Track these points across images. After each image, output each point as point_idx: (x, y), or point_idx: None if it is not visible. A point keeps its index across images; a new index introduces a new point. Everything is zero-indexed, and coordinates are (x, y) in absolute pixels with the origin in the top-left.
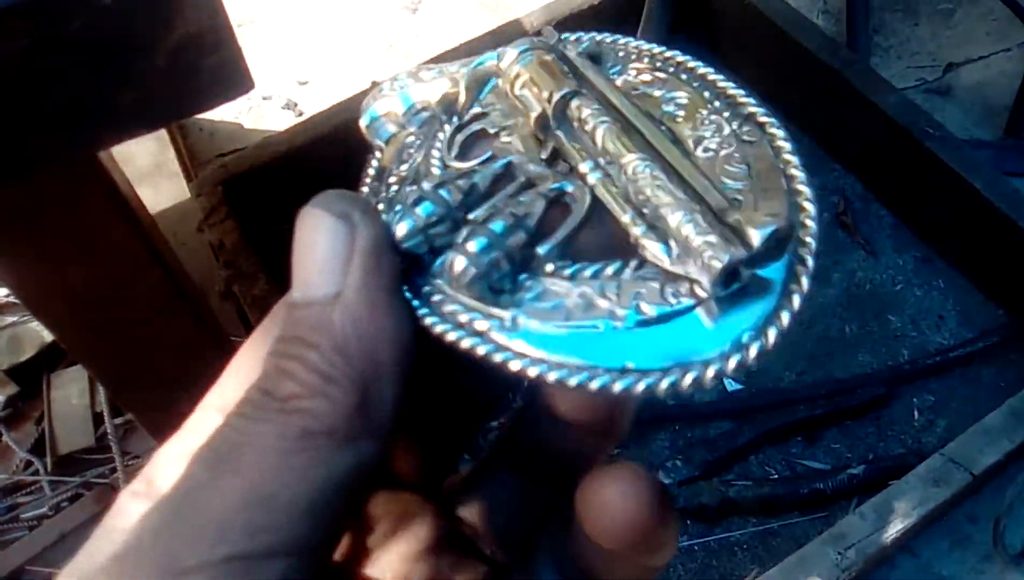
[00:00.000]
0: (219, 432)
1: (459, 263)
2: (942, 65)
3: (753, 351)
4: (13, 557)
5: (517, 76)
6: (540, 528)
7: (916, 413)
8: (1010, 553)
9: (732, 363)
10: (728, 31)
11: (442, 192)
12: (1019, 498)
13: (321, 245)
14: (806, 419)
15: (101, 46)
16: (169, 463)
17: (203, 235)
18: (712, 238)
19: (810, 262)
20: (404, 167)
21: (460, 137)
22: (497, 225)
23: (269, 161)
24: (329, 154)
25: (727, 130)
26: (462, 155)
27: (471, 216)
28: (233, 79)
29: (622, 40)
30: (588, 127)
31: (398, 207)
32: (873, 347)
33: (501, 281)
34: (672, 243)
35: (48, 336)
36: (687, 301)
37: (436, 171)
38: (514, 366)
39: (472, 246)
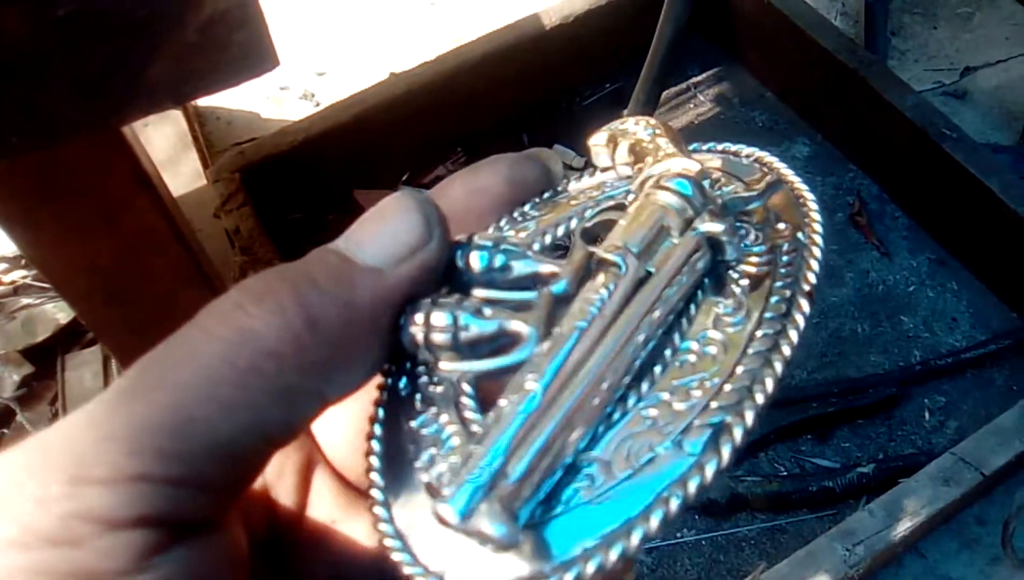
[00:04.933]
0: (169, 340)
1: (417, 327)
2: (960, 68)
3: None
4: None
5: (646, 200)
6: None
7: (927, 414)
8: (1019, 556)
9: None
10: (747, 30)
11: (479, 254)
12: None
13: (395, 226)
14: (817, 417)
15: (134, 18)
16: None
17: (219, 221)
18: (452, 490)
19: None
20: (567, 200)
21: (603, 216)
22: (442, 316)
23: (286, 150)
24: (345, 144)
25: (686, 420)
26: (588, 233)
27: (474, 291)
28: (260, 55)
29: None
30: (582, 305)
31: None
32: (885, 347)
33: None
34: (464, 457)
35: (63, 318)
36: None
37: (561, 230)
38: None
39: (418, 318)
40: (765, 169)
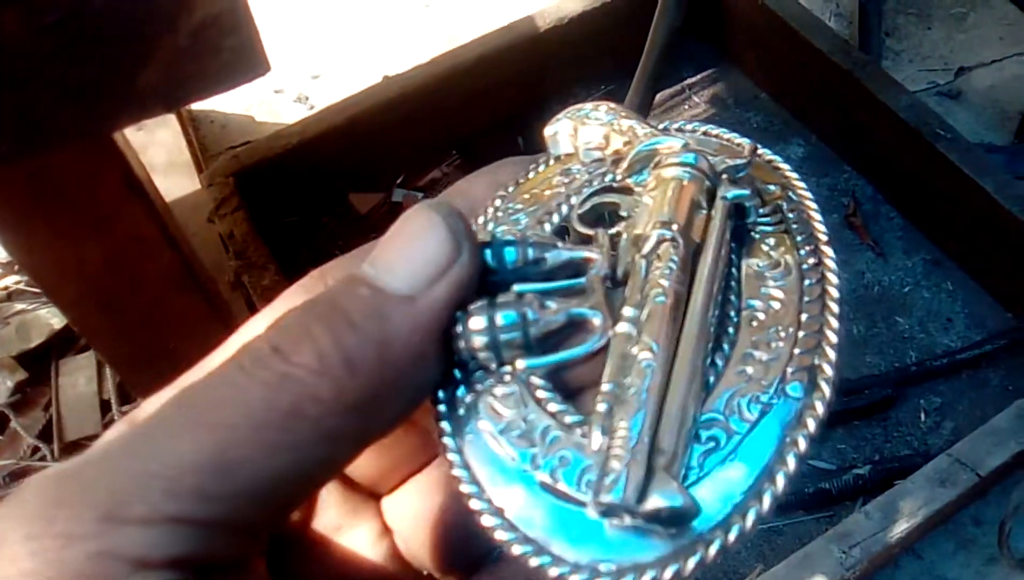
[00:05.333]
0: (209, 377)
1: (479, 328)
2: (954, 68)
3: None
4: None
5: (660, 178)
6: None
7: (923, 415)
8: (1015, 557)
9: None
10: (741, 32)
11: (509, 250)
12: None
13: (423, 246)
14: None
15: (124, 24)
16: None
17: (213, 226)
18: (614, 476)
19: (712, 550)
20: (548, 191)
21: (596, 199)
22: (507, 315)
23: (280, 153)
24: (340, 147)
25: (779, 369)
26: (585, 218)
27: (516, 286)
28: (251, 60)
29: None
30: (652, 282)
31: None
32: (881, 348)
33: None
34: (602, 445)
35: (57, 323)
36: (587, 497)
37: (555, 218)
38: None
39: (477, 322)
40: (726, 142)
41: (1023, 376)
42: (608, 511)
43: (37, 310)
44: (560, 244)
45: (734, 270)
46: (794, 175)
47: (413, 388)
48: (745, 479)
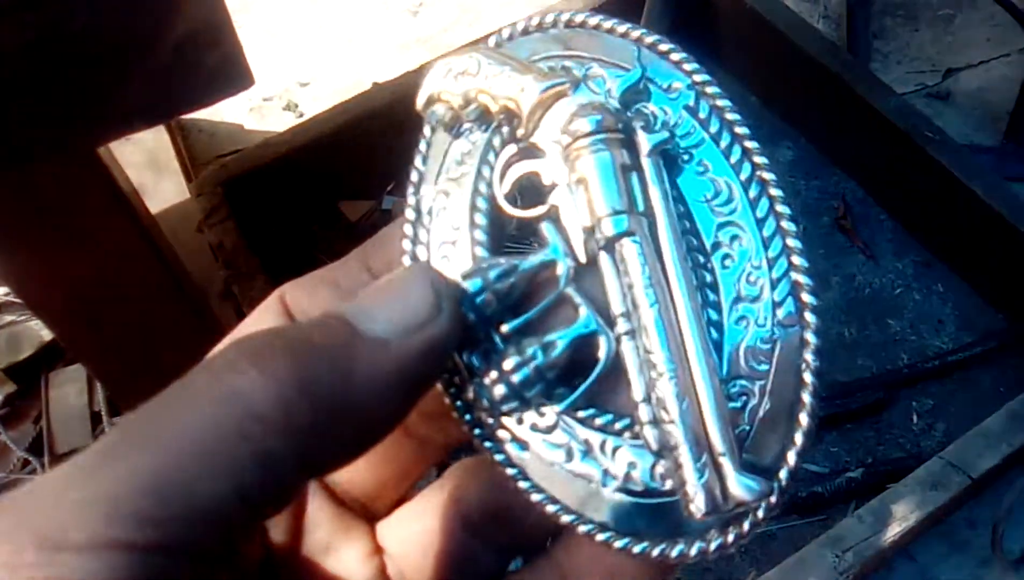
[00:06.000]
0: (157, 398)
1: (499, 390)
2: (942, 70)
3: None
4: None
5: (578, 156)
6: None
7: (915, 417)
8: (1009, 558)
9: (712, 546)
10: (729, 33)
11: (479, 299)
12: (1018, 503)
13: (404, 297)
14: None
15: (105, 40)
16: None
17: (203, 235)
18: (695, 487)
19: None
20: (457, 172)
21: (513, 172)
22: (523, 373)
23: (269, 162)
24: (329, 155)
25: (767, 300)
26: (513, 197)
27: (505, 327)
28: (234, 75)
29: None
30: (629, 277)
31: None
32: (872, 351)
33: (529, 396)
34: (666, 455)
35: (47, 335)
36: (671, 488)
37: (482, 204)
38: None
39: (499, 390)
40: (606, 33)
41: (1015, 377)
42: (702, 516)
43: (27, 322)
44: (516, 262)
45: (668, 224)
46: (692, 66)
47: (370, 428)
48: (784, 412)
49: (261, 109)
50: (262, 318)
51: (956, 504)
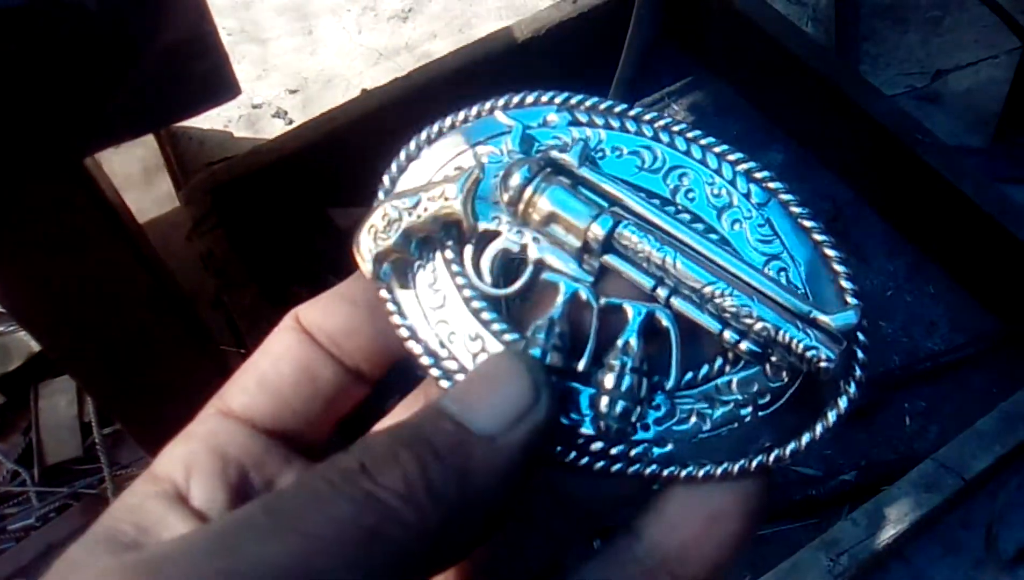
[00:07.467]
0: (295, 487)
1: (618, 407)
2: (931, 72)
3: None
4: None
5: (532, 204)
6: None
7: (908, 419)
8: (1003, 558)
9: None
10: (719, 40)
11: (548, 361)
12: (1011, 503)
13: (505, 389)
14: None
15: (90, 51)
16: (177, 464)
17: (192, 244)
18: (813, 346)
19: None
20: (438, 299)
21: (485, 262)
22: (625, 381)
23: (259, 169)
24: (319, 162)
25: (738, 197)
26: (498, 282)
27: (580, 366)
28: (220, 85)
29: (586, 101)
30: (639, 252)
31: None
32: None
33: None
34: (771, 351)
35: (36, 346)
36: (788, 379)
37: (480, 305)
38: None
39: (622, 385)
40: (455, 130)
41: (1007, 378)
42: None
43: (16, 332)
44: (548, 315)
45: (634, 198)
46: (549, 96)
47: (487, 522)
48: (818, 260)
49: (250, 116)
50: (281, 340)
51: (950, 505)
